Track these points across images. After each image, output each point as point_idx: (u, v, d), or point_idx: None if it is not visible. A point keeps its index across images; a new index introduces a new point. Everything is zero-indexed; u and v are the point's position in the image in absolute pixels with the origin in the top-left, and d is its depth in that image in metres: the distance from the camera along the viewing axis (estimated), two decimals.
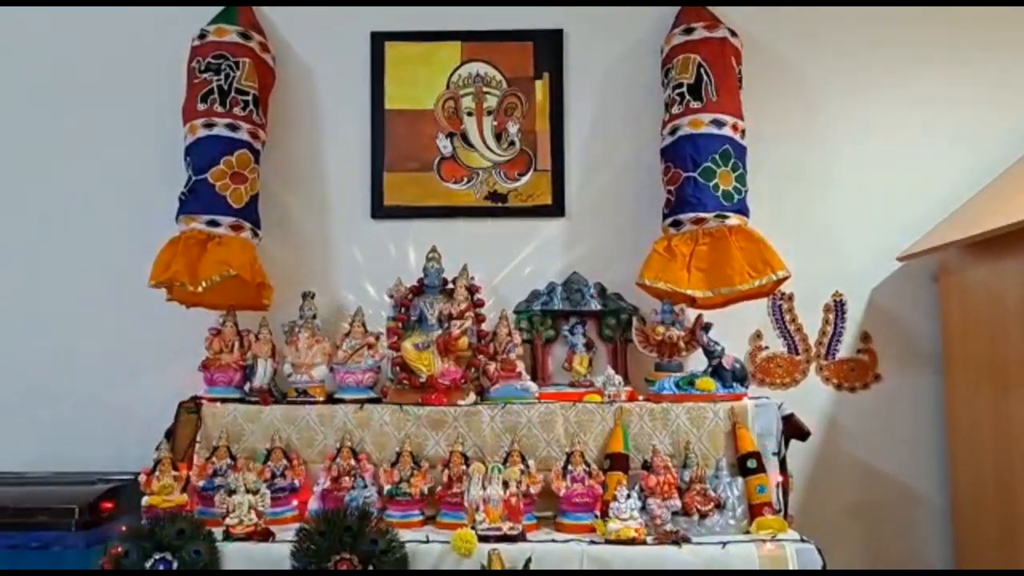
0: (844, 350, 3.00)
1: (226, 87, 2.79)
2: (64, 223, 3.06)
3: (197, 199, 2.74)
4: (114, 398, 2.97)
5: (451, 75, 3.10)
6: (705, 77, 2.78)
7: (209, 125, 2.77)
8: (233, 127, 2.79)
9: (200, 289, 2.66)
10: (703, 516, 2.46)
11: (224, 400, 2.69)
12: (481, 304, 2.78)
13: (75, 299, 3.03)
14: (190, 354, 2.76)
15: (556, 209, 3.07)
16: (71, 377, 3.00)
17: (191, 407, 2.66)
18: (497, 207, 3.07)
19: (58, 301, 3.03)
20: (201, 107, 2.78)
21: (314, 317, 2.81)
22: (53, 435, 2.95)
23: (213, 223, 2.74)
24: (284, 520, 2.50)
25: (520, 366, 2.73)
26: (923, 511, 2.92)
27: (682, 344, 2.80)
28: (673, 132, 2.82)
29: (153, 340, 2.97)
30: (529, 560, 2.27)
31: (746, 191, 2.78)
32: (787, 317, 3.02)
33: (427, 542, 2.35)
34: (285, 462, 2.57)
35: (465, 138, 3.11)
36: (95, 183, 3.06)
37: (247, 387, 2.73)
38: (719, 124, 2.76)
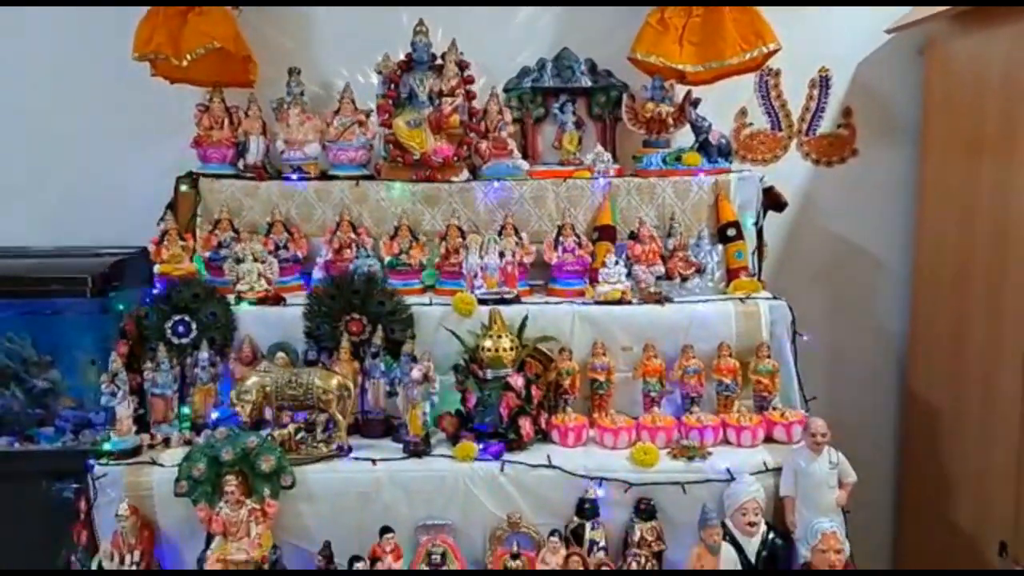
0: (825, 125, 3.07)
1: None
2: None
3: None
4: (110, 176, 2.97)
5: None
6: None
7: None
8: None
9: (184, 63, 2.60)
10: (684, 279, 2.63)
11: (219, 176, 2.72)
12: (471, 81, 2.75)
13: (64, 77, 2.95)
14: (182, 132, 2.74)
15: None
16: (66, 156, 2.98)
17: (188, 182, 2.70)
18: None
19: (47, 80, 2.96)
20: None
21: (302, 94, 2.78)
22: (53, 214, 2.98)
23: None
24: (291, 288, 2.63)
25: (511, 144, 2.76)
26: (885, 276, 3.14)
27: (671, 121, 2.84)
28: None
29: (143, 117, 2.92)
30: (526, 318, 2.44)
31: None
32: (773, 93, 3.05)
33: (430, 304, 2.52)
34: (286, 235, 2.66)
35: None
36: None
37: (241, 164, 2.74)
38: None
